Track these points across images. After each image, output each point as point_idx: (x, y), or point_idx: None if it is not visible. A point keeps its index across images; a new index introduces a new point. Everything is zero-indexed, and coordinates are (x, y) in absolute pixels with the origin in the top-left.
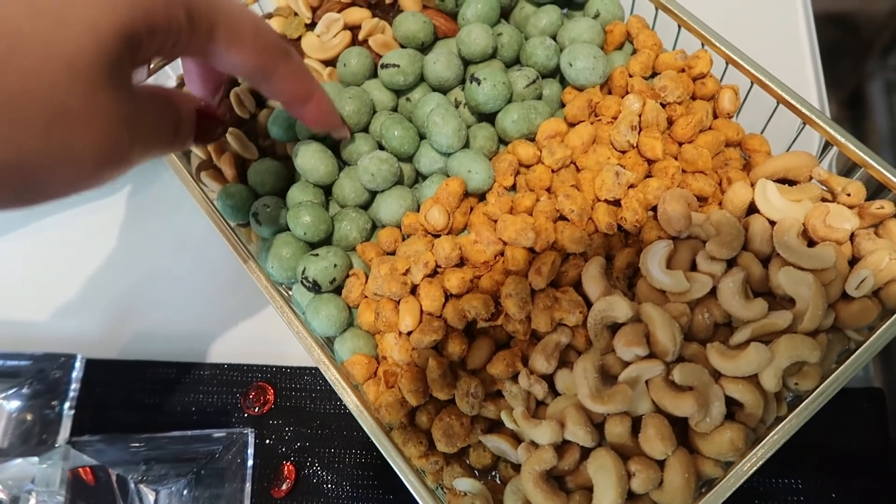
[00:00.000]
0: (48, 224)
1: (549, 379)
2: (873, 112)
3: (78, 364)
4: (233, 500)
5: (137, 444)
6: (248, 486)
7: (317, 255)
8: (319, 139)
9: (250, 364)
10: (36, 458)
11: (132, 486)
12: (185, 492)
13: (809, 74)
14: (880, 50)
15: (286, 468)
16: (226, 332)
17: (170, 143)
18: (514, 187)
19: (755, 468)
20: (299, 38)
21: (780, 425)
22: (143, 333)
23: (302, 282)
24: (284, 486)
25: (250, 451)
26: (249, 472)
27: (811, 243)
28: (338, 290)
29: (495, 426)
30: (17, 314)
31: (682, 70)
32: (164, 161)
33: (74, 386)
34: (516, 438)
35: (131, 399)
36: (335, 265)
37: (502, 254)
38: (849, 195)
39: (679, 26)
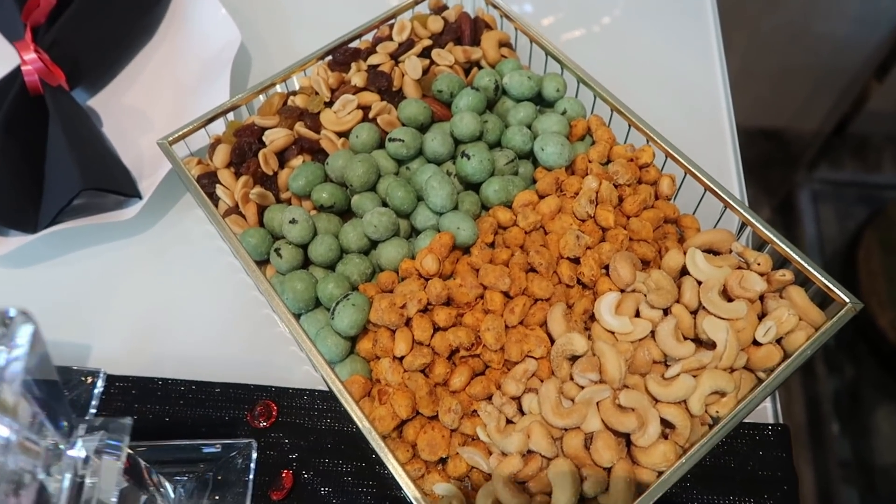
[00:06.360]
0: (82, 256)
1: (517, 401)
2: (802, 218)
3: (100, 381)
4: (237, 499)
5: (153, 449)
6: (249, 488)
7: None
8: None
9: (257, 384)
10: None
11: (155, 476)
12: (195, 490)
13: (732, 169)
14: (807, 164)
15: (284, 474)
16: (237, 356)
17: None
18: (493, 244)
19: (680, 474)
20: (319, 113)
21: (700, 441)
22: (162, 355)
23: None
24: (282, 490)
25: (253, 458)
26: (252, 476)
27: (729, 300)
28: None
29: (470, 442)
30: (49, 334)
31: (631, 159)
32: (194, 205)
33: (94, 402)
34: (489, 451)
35: (149, 411)
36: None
37: (482, 296)
38: (759, 265)
39: (629, 125)
